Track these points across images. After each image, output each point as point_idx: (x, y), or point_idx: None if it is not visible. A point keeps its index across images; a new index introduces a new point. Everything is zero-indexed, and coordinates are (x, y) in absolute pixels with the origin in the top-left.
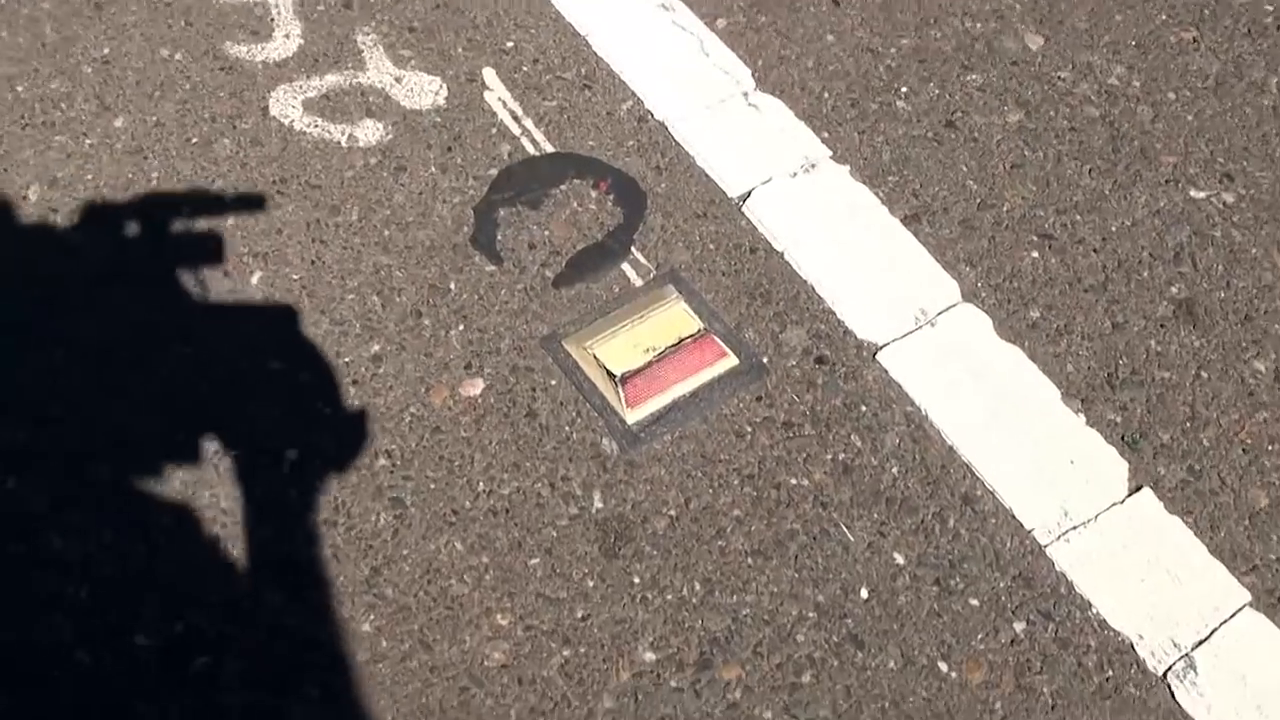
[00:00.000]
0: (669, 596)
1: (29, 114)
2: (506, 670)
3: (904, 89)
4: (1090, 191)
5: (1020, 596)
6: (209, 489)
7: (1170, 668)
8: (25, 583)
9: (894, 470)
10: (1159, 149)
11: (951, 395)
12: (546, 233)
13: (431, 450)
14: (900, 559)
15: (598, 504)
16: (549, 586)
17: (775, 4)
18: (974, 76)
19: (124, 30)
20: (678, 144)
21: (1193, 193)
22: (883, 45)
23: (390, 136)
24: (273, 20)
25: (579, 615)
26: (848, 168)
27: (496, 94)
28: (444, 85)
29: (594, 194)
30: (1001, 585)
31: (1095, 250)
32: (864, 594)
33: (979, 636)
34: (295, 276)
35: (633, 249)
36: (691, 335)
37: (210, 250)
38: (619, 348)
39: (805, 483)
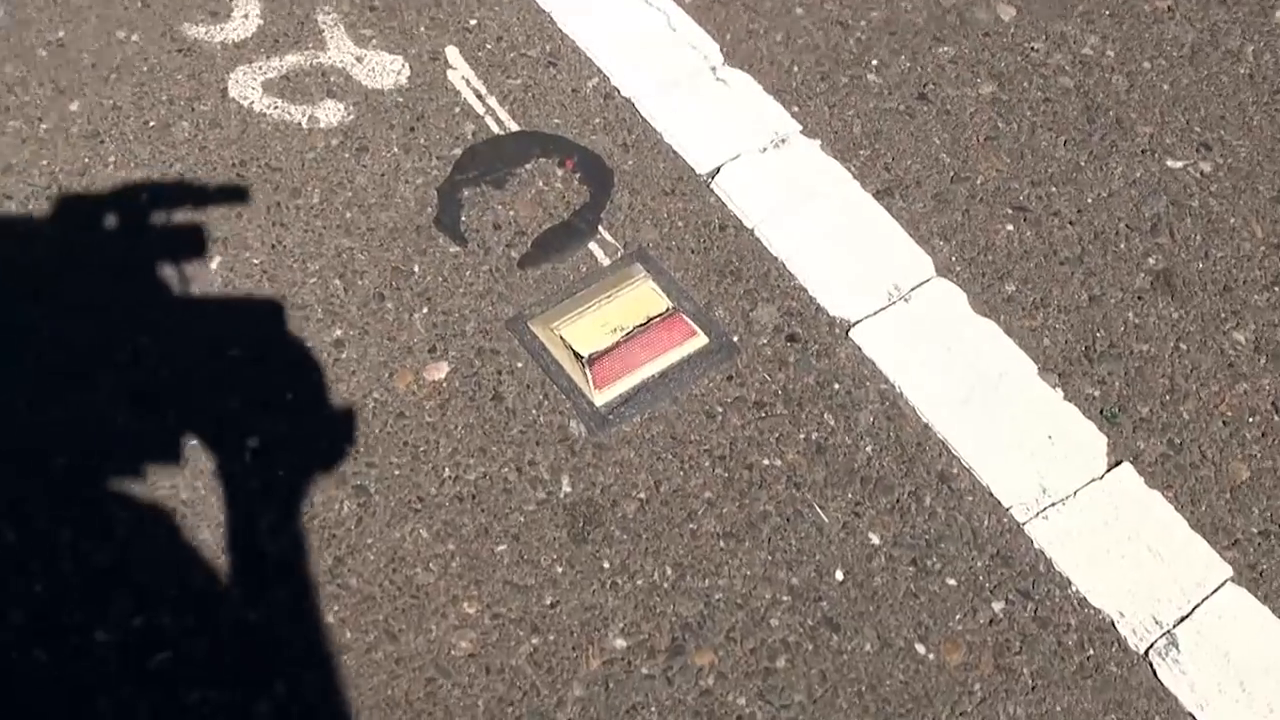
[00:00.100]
0: (639, 581)
1: None
2: (474, 659)
3: (875, 62)
4: (1065, 163)
5: (998, 575)
6: (169, 480)
7: (1152, 645)
8: None
9: (868, 449)
10: (1135, 119)
11: (926, 371)
12: (511, 213)
13: (395, 436)
14: (876, 539)
15: (566, 488)
16: (517, 573)
17: None
18: (946, 48)
19: (79, 13)
20: (645, 120)
21: (1169, 163)
22: (852, 18)
23: (352, 117)
24: (231, 0)
25: (548, 602)
26: (818, 142)
27: (460, 72)
28: (406, 64)
29: (560, 172)
30: (979, 564)
31: (1071, 222)
32: (839, 576)
33: (957, 617)
34: (255, 261)
35: (599, 228)
36: (660, 314)
37: (169, 236)
38: (586, 328)
39: (778, 463)
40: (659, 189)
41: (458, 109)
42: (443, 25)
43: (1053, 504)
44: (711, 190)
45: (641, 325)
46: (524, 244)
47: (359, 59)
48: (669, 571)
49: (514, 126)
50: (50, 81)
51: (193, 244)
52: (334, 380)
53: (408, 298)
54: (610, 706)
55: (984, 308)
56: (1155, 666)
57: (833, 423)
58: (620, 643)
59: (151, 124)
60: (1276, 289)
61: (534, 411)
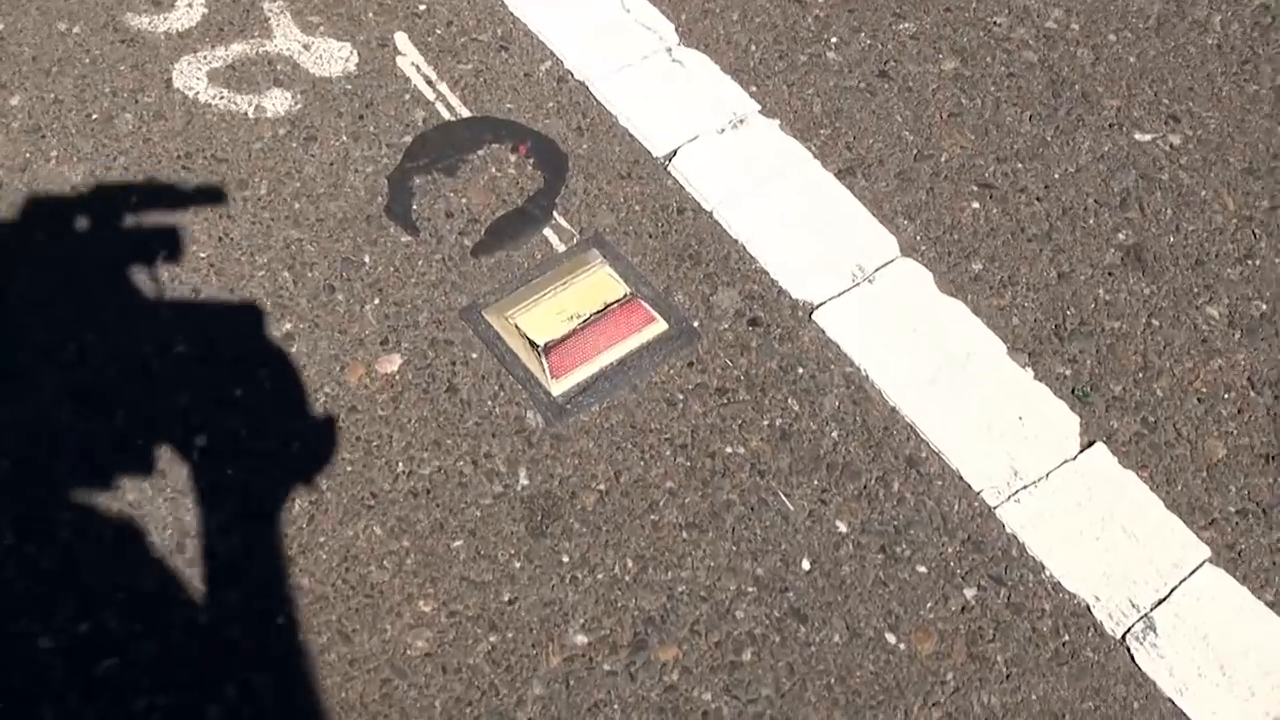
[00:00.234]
0: (600, 575)
1: None
2: (430, 659)
3: (834, 39)
4: (1031, 138)
5: (970, 561)
6: (114, 481)
7: (1129, 629)
8: None
9: (834, 434)
10: (1101, 92)
11: (892, 354)
12: (464, 200)
13: (347, 431)
14: (843, 527)
15: (523, 481)
16: (473, 569)
17: None
18: (906, 24)
19: (18, 5)
20: (599, 104)
21: (1138, 136)
22: None
23: (299, 106)
24: None
25: (506, 598)
26: (778, 122)
27: (409, 59)
28: (354, 51)
29: (513, 158)
30: (950, 550)
31: (1038, 198)
32: (806, 565)
33: (928, 605)
34: (202, 255)
35: (554, 214)
36: (618, 300)
37: (114, 232)
38: (541, 316)
39: (741, 451)
40: (615, 173)
41: (408, 95)
42: (391, 11)
43: (1024, 486)
44: (669, 173)
45: (599, 312)
46: (477, 232)
47: (306, 47)
48: (630, 564)
49: (465, 112)
50: None
51: (138, 239)
52: (284, 375)
53: (359, 289)
54: (571, 705)
55: (950, 287)
56: (1133, 651)
57: (797, 408)
58: (581, 639)
59: (94, 117)
60: (1250, 262)
61: (489, 403)
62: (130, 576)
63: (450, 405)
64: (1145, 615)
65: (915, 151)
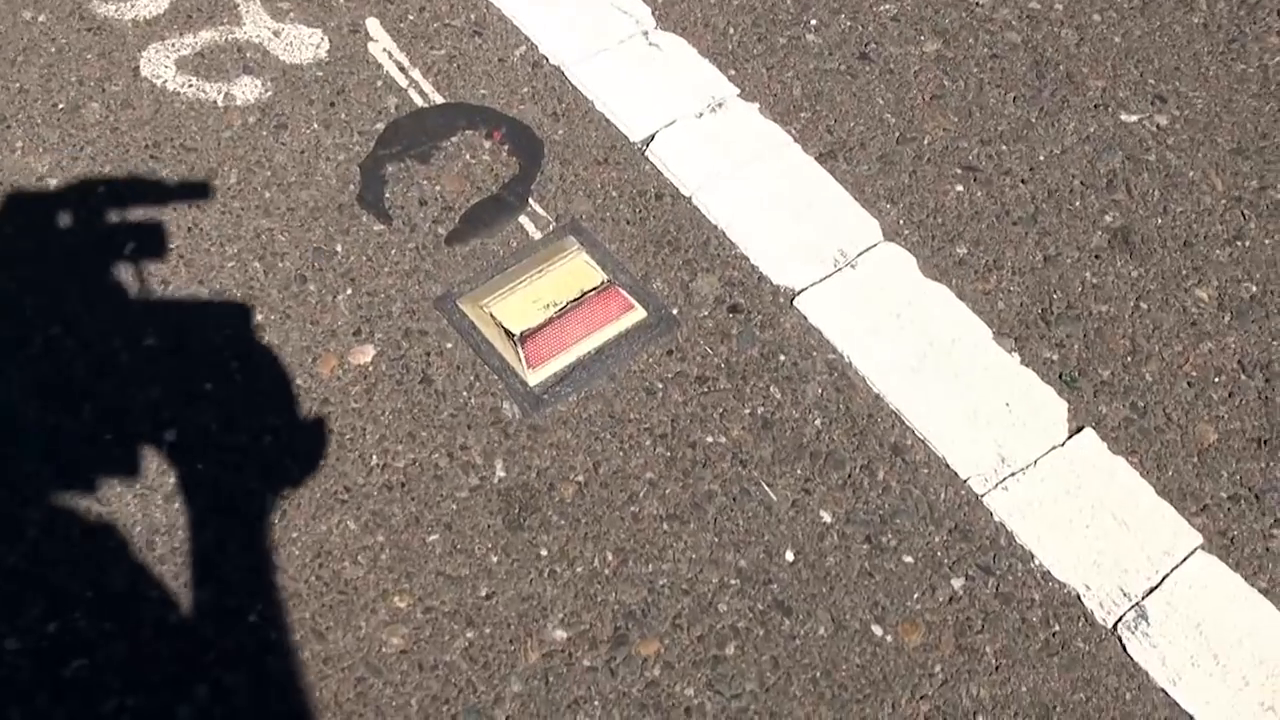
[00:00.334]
0: (579, 569)
1: None
2: (406, 656)
3: (813, 21)
4: (1015, 120)
5: (957, 551)
6: (83, 477)
7: (1120, 619)
8: None
9: (817, 422)
10: (1086, 73)
11: (876, 340)
12: (437, 188)
13: (320, 424)
14: (827, 517)
15: (500, 473)
16: (450, 564)
17: None
18: (887, 5)
19: None
20: (575, 89)
21: (1124, 116)
22: None
23: (269, 94)
24: None
25: (483, 594)
26: (757, 105)
27: (381, 45)
28: (325, 38)
29: (487, 145)
30: (937, 540)
31: (1023, 181)
32: (789, 556)
33: (915, 596)
34: (171, 245)
35: (530, 200)
36: (595, 288)
37: (81, 222)
38: (517, 305)
39: (722, 440)
40: (591, 159)
41: (380, 82)
42: None
43: (1012, 474)
44: (646, 158)
45: (576, 300)
46: (451, 220)
47: (276, 33)
48: (610, 557)
49: (438, 99)
50: None
51: (106, 230)
52: (255, 368)
53: (330, 279)
54: (551, 701)
55: (935, 272)
56: (1124, 641)
57: (779, 396)
58: (560, 634)
59: (60, 106)
60: (1239, 243)
61: (465, 394)
62: (99, 575)
63: (425, 397)
64: (1137, 604)
65: (897, 134)
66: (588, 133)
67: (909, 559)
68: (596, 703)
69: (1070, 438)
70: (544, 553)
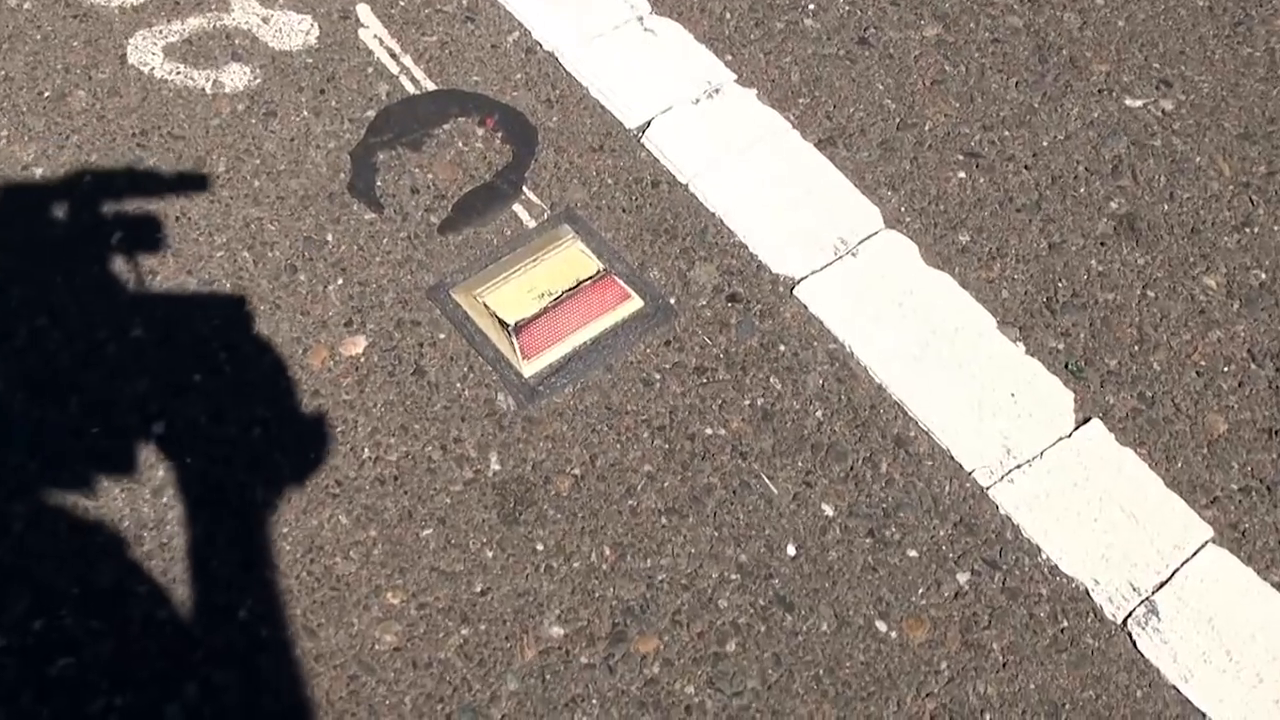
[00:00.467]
0: (576, 564)
1: None
2: (399, 654)
3: (811, 6)
4: (1018, 105)
5: (963, 545)
6: (69, 471)
7: (1130, 614)
8: None
9: (818, 414)
10: (1089, 57)
11: (878, 329)
12: (430, 176)
13: (311, 416)
14: (829, 510)
15: (495, 466)
16: (444, 559)
17: None
18: None
19: None
20: (569, 75)
21: (1128, 101)
22: None
23: (258, 81)
24: None
25: (478, 589)
26: (754, 91)
27: (372, 31)
28: (315, 24)
29: (480, 132)
30: (942, 533)
31: (1026, 167)
32: (791, 551)
33: (919, 591)
34: (159, 235)
35: (524, 188)
36: (591, 277)
37: (68, 212)
38: (512, 295)
39: (722, 432)
40: (586, 146)
41: (370, 69)
42: None
43: (1018, 466)
44: (642, 145)
45: (571, 289)
46: (444, 208)
47: (265, 20)
48: (607, 552)
49: (430, 85)
50: None
51: (92, 220)
52: (244, 359)
53: (321, 269)
54: (547, 700)
55: (937, 260)
56: (1135, 637)
57: (779, 387)
58: (557, 630)
59: (46, 94)
60: (1247, 230)
61: (458, 385)
62: (86, 571)
63: (418, 388)
64: (1147, 599)
65: (898, 120)
66: (582, 119)
67: (913, 553)
68: (594, 701)
69: (1077, 429)
70: (540, 547)
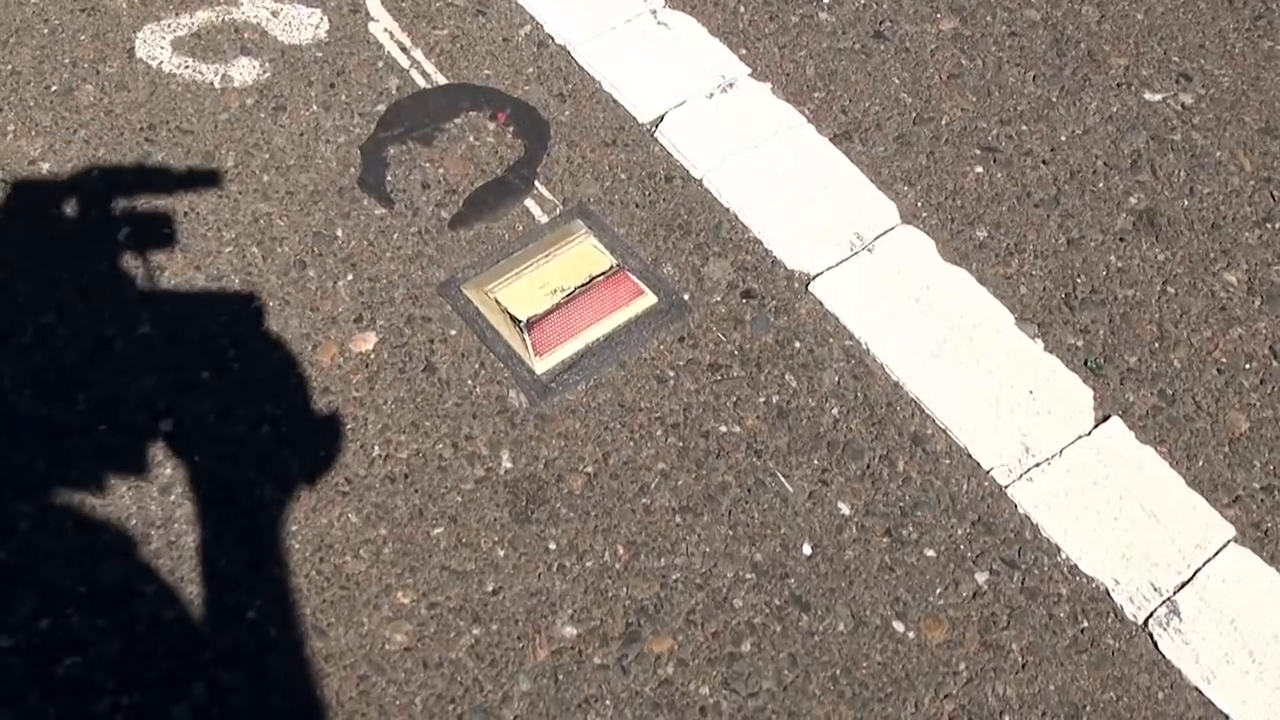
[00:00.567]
0: (589, 563)
1: None
2: (410, 654)
3: None
4: (1035, 99)
5: (981, 544)
6: (76, 470)
7: (1151, 614)
8: None
9: (834, 411)
10: (1108, 51)
11: (894, 326)
12: (441, 170)
13: (320, 414)
14: (846, 509)
15: (506, 464)
16: (455, 558)
17: None
18: None
19: None
20: (581, 69)
21: (1147, 95)
22: None
23: (268, 75)
24: None
25: (489, 589)
26: (769, 85)
27: (382, 24)
28: (325, 17)
29: (491, 126)
30: (960, 533)
31: (1044, 162)
32: (807, 550)
33: (937, 591)
34: (167, 230)
35: (536, 183)
36: (603, 273)
37: (75, 207)
38: (524, 290)
39: (736, 429)
40: (599, 140)
41: (381, 63)
42: None
43: (1037, 464)
44: (655, 140)
45: (584, 285)
46: (455, 203)
47: (274, 13)
48: (621, 551)
49: (441, 79)
50: None
51: (100, 215)
52: (253, 356)
53: (331, 264)
54: (560, 700)
55: (954, 255)
56: (1156, 637)
57: (794, 384)
58: (569, 630)
59: (54, 89)
60: (1269, 225)
61: (470, 382)
62: (93, 570)
63: (428, 385)
64: (1168, 599)
65: (914, 114)
66: (595, 114)
67: (931, 552)
68: (608, 702)
69: (1096, 426)
70: (552, 546)
